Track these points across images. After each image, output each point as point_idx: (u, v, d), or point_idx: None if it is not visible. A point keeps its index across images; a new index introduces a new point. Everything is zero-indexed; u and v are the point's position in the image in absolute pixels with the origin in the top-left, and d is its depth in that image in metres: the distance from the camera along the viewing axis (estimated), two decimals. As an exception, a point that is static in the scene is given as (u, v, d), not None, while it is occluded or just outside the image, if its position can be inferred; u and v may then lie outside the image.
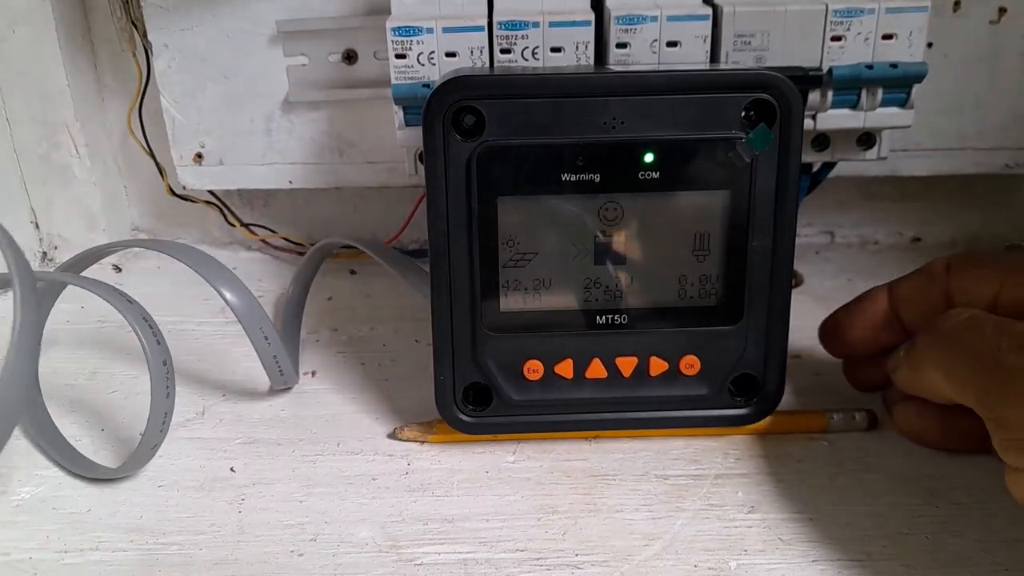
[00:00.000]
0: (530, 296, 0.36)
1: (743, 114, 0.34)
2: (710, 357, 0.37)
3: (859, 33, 0.42)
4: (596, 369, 0.37)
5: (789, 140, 0.34)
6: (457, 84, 0.34)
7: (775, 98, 0.34)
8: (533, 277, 0.36)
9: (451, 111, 0.34)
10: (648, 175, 0.35)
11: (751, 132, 0.34)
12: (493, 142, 0.34)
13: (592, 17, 0.42)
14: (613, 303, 0.36)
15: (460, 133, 0.34)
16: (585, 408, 0.38)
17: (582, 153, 0.34)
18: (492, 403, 0.38)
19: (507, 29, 0.41)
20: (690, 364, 0.37)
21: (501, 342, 0.37)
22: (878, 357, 0.38)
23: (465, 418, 0.38)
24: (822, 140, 0.45)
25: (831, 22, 0.41)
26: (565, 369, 0.37)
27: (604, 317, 0.37)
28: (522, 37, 0.42)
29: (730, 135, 0.34)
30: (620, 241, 0.36)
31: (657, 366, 0.37)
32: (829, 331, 0.40)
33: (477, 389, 0.38)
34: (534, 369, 0.37)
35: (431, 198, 0.35)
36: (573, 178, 0.35)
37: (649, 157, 0.34)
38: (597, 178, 0.35)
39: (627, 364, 0.37)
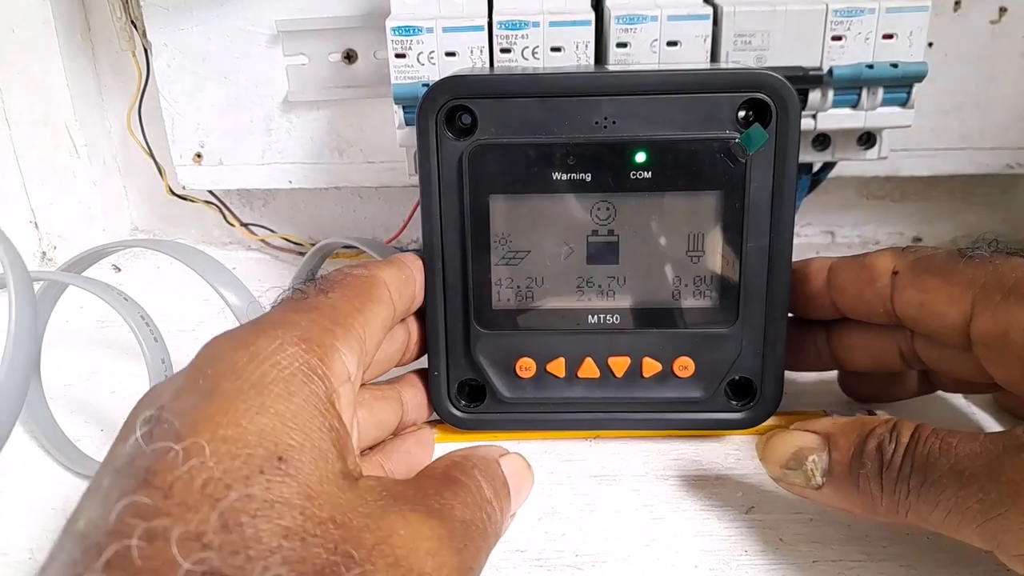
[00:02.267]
0: (522, 294, 0.36)
1: (739, 114, 0.34)
2: (704, 359, 0.37)
3: (859, 33, 0.41)
4: (588, 368, 0.37)
5: (786, 140, 0.34)
6: (450, 83, 0.34)
7: (771, 97, 0.34)
8: (525, 275, 0.36)
9: (444, 110, 0.34)
10: (640, 175, 0.34)
11: (745, 132, 0.34)
12: (485, 141, 0.34)
13: (592, 17, 0.41)
14: (605, 302, 0.36)
15: (453, 132, 0.34)
16: (578, 407, 0.38)
17: (574, 152, 0.34)
18: (485, 400, 0.38)
19: (507, 29, 0.41)
20: (684, 366, 0.37)
21: (493, 339, 0.37)
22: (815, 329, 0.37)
23: (458, 413, 0.38)
24: (822, 140, 0.45)
25: (831, 22, 0.41)
26: (557, 368, 0.37)
27: (596, 316, 0.36)
28: (522, 37, 0.42)
29: (724, 135, 0.34)
30: (613, 240, 0.36)
31: (650, 367, 0.37)
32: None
33: (470, 386, 0.38)
34: (526, 367, 0.37)
35: (424, 196, 0.35)
36: (565, 177, 0.34)
37: (641, 157, 0.34)
38: (589, 177, 0.34)
39: (619, 364, 0.37)
